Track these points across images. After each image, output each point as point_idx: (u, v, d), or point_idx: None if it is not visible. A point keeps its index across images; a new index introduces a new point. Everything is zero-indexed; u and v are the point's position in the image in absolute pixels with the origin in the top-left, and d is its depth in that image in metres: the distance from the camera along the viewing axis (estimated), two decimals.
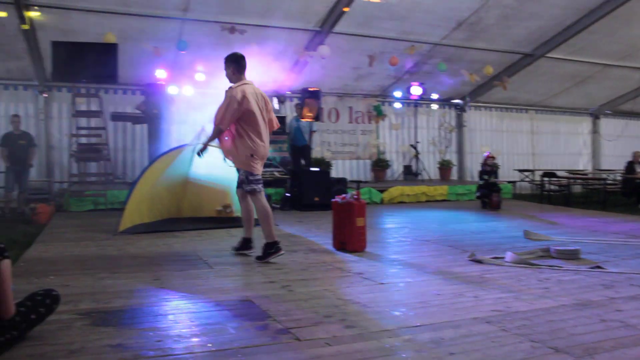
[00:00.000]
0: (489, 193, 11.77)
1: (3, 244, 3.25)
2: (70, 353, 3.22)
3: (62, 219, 9.49)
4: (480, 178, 12.15)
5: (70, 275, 5.28)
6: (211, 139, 6.07)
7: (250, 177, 5.99)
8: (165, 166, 8.49)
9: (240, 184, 6.14)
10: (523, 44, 13.80)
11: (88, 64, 10.13)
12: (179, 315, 4.03)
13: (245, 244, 6.35)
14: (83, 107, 12.07)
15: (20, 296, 3.57)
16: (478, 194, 12.24)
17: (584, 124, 19.47)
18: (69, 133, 11.69)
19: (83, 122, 11.84)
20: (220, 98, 5.99)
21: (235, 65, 6.07)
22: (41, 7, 10.07)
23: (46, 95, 12.51)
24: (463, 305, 4.26)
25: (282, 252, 5.96)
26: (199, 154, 6.18)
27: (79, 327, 3.68)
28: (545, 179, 14.22)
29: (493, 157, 12.21)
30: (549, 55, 14.23)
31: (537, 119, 18.27)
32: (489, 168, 12.00)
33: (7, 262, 3.21)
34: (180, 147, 9.02)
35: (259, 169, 6.06)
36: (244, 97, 5.83)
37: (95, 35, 10.73)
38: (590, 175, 16.88)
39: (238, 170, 6.22)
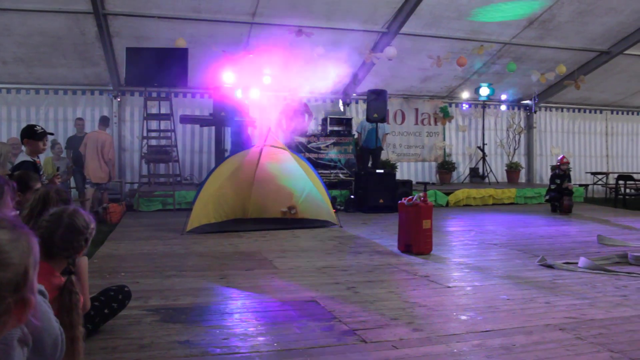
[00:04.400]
0: (559, 196, 11.31)
1: None
2: (141, 347, 3.31)
3: (132, 218, 9.81)
4: (552, 182, 11.63)
5: (139, 273, 5.44)
6: None
7: None
8: (231, 168, 8.62)
9: None
10: (599, 41, 13.21)
11: (160, 68, 10.45)
12: (245, 314, 4.08)
13: None
14: (154, 110, 12.38)
15: (94, 291, 3.69)
16: (547, 197, 11.76)
17: None
18: (140, 135, 12.04)
19: (153, 124, 12.19)
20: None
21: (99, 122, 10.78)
22: (117, 15, 10.45)
23: (119, 99, 12.95)
24: (534, 311, 4.11)
25: None
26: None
27: (148, 323, 3.78)
28: (621, 182, 13.57)
29: (567, 162, 11.65)
30: (627, 52, 13.56)
31: (613, 119, 17.46)
32: (562, 172, 11.48)
33: (84, 259, 3.31)
34: (246, 150, 9.16)
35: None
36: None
37: (166, 40, 11.04)
38: None
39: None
